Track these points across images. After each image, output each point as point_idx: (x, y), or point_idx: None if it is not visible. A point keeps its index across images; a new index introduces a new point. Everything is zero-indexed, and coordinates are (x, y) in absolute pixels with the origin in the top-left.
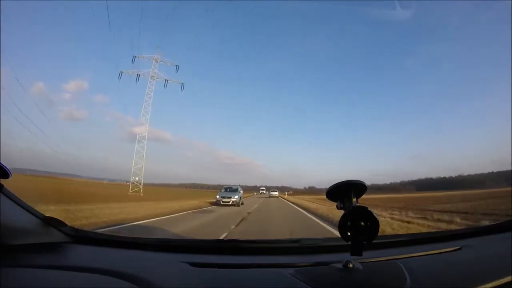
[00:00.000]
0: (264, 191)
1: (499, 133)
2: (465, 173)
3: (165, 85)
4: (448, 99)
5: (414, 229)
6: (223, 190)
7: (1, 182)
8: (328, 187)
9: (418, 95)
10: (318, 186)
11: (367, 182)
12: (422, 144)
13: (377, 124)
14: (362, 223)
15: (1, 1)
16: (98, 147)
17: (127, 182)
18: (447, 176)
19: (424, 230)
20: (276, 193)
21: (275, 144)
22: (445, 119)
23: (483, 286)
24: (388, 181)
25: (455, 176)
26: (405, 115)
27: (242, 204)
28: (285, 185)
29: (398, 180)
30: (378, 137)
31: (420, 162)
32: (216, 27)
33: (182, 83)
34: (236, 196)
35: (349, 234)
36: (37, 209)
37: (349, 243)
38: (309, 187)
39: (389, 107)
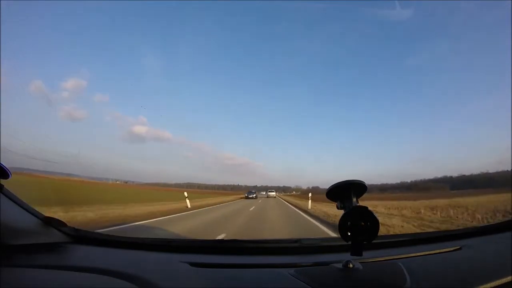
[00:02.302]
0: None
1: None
2: (492, 171)
3: None
4: (457, 99)
5: None
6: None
7: (1, 182)
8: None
9: (424, 96)
10: (322, 186)
11: (375, 182)
12: (429, 145)
13: (383, 124)
14: (362, 223)
15: (1, 1)
16: None
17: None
18: (467, 174)
19: None
20: (274, 193)
21: (276, 144)
22: (452, 119)
23: (483, 286)
24: (397, 181)
25: (477, 174)
26: (411, 116)
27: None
28: (286, 185)
29: (408, 180)
30: (384, 138)
31: (426, 163)
32: (217, 28)
33: None
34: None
35: (349, 234)
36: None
37: (349, 243)
38: (313, 187)
39: (395, 107)
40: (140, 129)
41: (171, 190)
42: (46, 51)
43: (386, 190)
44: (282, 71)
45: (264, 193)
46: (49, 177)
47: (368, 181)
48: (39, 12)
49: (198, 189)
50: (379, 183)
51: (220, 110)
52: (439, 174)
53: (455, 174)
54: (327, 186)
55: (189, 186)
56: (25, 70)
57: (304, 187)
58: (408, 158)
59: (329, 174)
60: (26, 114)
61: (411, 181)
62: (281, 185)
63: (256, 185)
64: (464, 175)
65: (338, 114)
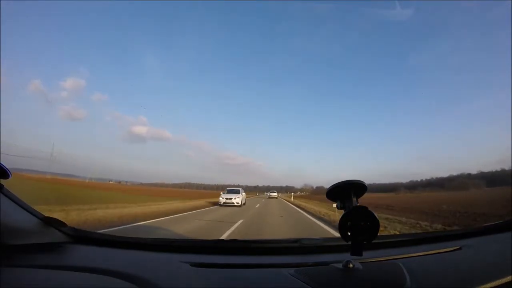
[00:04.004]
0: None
1: None
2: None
3: None
4: (460, 98)
5: None
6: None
7: (1, 182)
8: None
9: (427, 95)
10: (327, 186)
11: (385, 181)
12: (430, 144)
13: (387, 124)
14: (362, 223)
15: (1, 1)
16: None
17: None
18: (485, 171)
19: None
20: (275, 194)
21: (278, 144)
22: (452, 118)
23: (483, 286)
24: (404, 180)
25: (497, 170)
26: (414, 115)
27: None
28: (289, 185)
29: (418, 178)
30: (388, 137)
31: (427, 162)
32: (218, 28)
33: None
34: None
35: (349, 234)
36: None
37: (349, 243)
38: (317, 187)
39: (398, 107)
40: (139, 129)
41: (155, 192)
42: (45, 51)
43: (415, 189)
44: (284, 71)
45: (266, 193)
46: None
47: (373, 180)
48: (38, 12)
49: (205, 189)
50: (388, 182)
51: (221, 109)
52: (441, 173)
53: (473, 171)
54: (326, 187)
55: (187, 186)
56: (24, 70)
57: (313, 185)
58: (409, 157)
59: (333, 174)
60: (24, 114)
61: (421, 180)
62: (284, 185)
63: (258, 185)
64: (482, 172)
65: (341, 114)
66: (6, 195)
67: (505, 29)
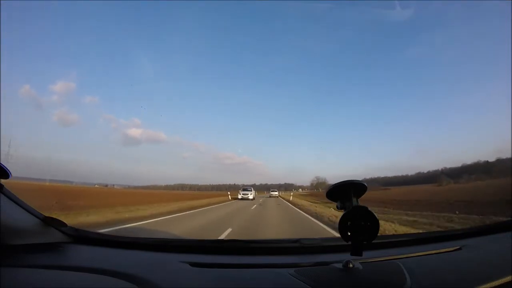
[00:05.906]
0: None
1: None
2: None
3: None
4: (458, 91)
5: None
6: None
7: (1, 182)
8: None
9: (425, 90)
10: (329, 182)
11: (392, 175)
12: (429, 137)
13: (388, 119)
14: (362, 223)
15: (1, 1)
16: None
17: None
18: (503, 157)
19: None
20: (276, 193)
21: (277, 142)
22: (452, 110)
23: (483, 286)
24: (411, 173)
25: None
26: (414, 111)
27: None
28: (288, 182)
29: (425, 170)
30: (388, 132)
31: (428, 156)
32: (215, 26)
33: None
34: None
35: (349, 234)
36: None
37: (349, 243)
38: (317, 184)
39: (397, 102)
40: (132, 131)
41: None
42: (33, 54)
43: (460, 177)
44: (282, 69)
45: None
46: None
47: (375, 174)
48: (27, 13)
49: (199, 190)
50: (393, 175)
51: (218, 109)
52: (450, 164)
53: (491, 159)
54: (331, 182)
55: (181, 188)
56: (14, 74)
57: (308, 184)
58: (412, 150)
59: (334, 171)
60: (16, 117)
61: (427, 172)
62: (283, 183)
63: (255, 184)
64: (500, 159)
65: (341, 111)
66: (6, 195)
67: (507, 21)
